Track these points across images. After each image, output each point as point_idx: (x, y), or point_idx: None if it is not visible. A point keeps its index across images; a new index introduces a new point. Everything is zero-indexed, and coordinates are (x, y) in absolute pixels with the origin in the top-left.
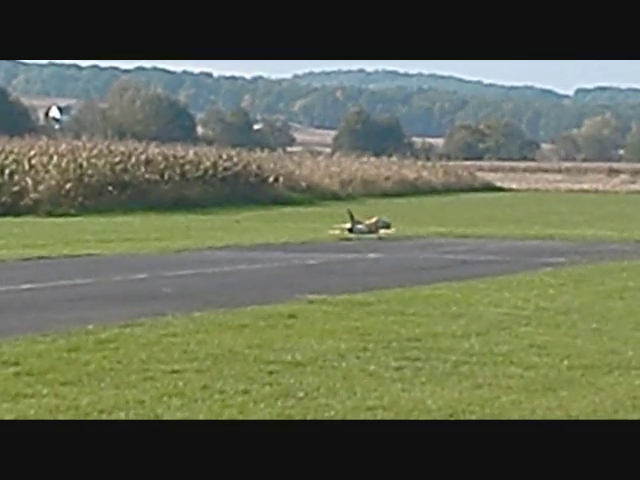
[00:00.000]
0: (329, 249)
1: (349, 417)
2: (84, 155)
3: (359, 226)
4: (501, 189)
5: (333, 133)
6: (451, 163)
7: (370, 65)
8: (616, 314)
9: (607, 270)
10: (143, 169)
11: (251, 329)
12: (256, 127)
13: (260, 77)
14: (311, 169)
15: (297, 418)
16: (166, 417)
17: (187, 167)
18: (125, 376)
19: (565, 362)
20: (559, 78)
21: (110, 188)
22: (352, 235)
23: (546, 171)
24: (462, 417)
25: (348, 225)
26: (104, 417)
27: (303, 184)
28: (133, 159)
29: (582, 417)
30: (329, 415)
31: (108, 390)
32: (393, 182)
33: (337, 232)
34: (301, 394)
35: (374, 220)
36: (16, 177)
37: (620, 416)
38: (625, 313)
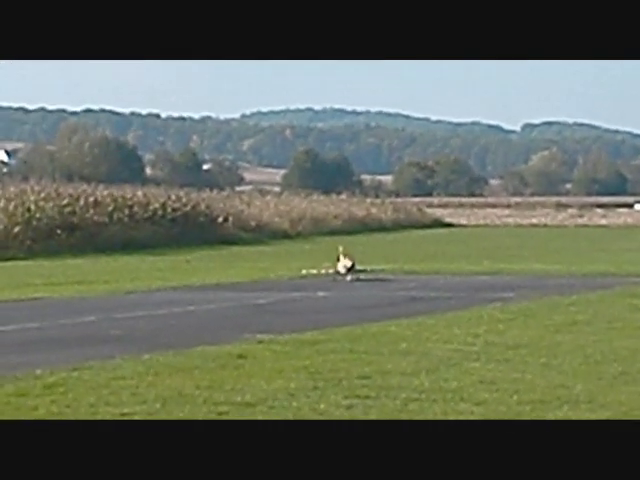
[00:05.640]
0: (279, 288)
1: None
2: (32, 198)
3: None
4: (450, 225)
5: (282, 172)
6: (400, 200)
7: (318, 103)
8: (564, 348)
9: (555, 304)
10: (91, 211)
11: (200, 370)
12: (205, 167)
13: (208, 117)
14: (260, 208)
15: None
16: None
17: (136, 208)
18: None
19: (514, 397)
20: (506, 113)
21: (58, 231)
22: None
23: (494, 206)
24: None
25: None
26: None
27: (252, 223)
28: (81, 201)
29: None
30: None
31: None
32: (342, 220)
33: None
34: None
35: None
36: None
37: None
38: (573, 347)
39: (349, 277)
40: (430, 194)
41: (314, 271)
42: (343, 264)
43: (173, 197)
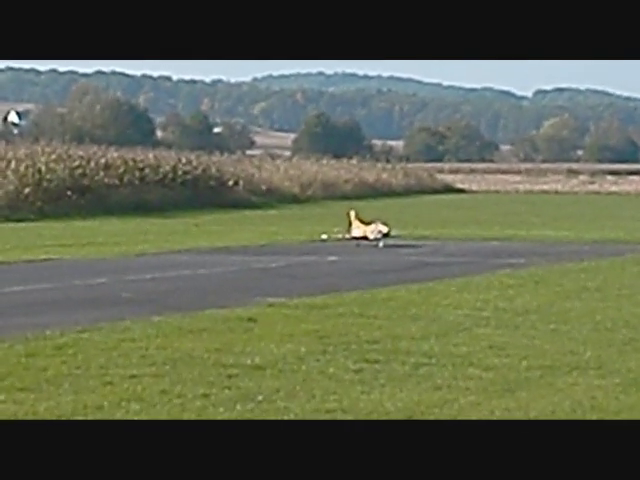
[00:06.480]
0: (289, 252)
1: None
2: (43, 160)
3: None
4: (461, 191)
5: (293, 136)
6: (411, 165)
7: (329, 68)
8: (574, 314)
9: (565, 271)
10: (102, 173)
11: (210, 333)
12: (216, 130)
13: (219, 80)
14: (271, 172)
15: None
16: None
17: (146, 171)
18: (83, 381)
19: (524, 363)
20: (518, 79)
21: (69, 193)
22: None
23: (505, 172)
24: (421, 419)
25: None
26: None
27: (263, 187)
28: (92, 163)
29: (541, 418)
30: (288, 418)
31: (66, 396)
32: (353, 184)
33: None
34: (260, 397)
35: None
36: None
37: (578, 416)
38: (583, 313)
39: (381, 243)
40: (441, 159)
41: (340, 235)
42: (378, 229)
43: (184, 160)
